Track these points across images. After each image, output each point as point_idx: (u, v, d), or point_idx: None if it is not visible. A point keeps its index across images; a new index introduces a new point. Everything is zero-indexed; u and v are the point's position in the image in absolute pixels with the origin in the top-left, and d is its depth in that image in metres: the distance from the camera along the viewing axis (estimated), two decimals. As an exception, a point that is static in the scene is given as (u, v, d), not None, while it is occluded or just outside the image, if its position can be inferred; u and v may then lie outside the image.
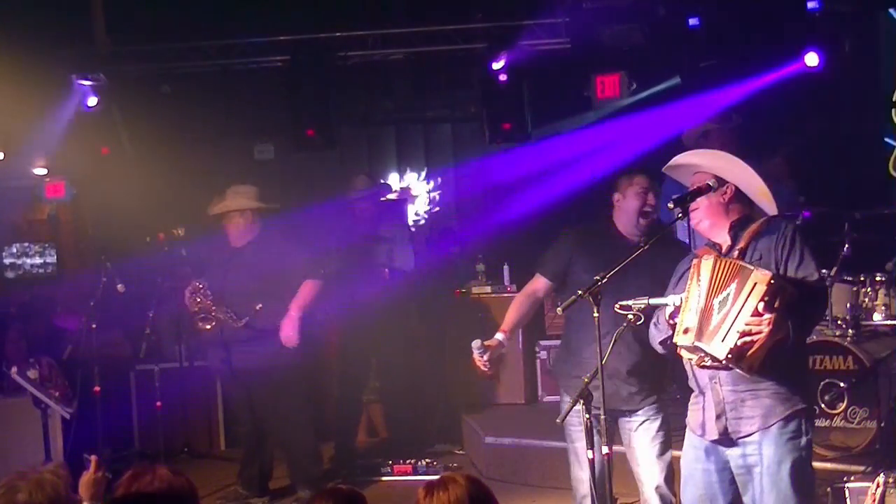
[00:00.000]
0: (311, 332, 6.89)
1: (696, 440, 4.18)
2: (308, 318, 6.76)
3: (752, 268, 3.86)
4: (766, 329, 3.80)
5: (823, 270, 6.22)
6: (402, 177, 10.53)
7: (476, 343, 4.84)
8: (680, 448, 6.18)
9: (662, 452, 4.90)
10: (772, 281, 3.78)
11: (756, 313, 3.79)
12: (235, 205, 6.82)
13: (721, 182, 4.12)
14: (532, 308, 5.08)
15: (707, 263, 3.96)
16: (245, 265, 6.71)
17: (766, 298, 3.77)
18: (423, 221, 10.29)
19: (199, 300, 6.68)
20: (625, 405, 4.86)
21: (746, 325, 3.80)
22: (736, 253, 4.05)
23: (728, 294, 3.87)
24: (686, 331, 3.94)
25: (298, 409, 6.88)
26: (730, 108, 7.83)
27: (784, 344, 3.88)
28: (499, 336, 4.92)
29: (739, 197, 4.15)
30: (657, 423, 4.89)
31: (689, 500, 4.21)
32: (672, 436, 6.59)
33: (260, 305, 6.58)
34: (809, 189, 7.17)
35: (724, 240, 4.14)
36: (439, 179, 10.55)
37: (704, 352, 3.92)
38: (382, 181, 8.76)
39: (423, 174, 10.54)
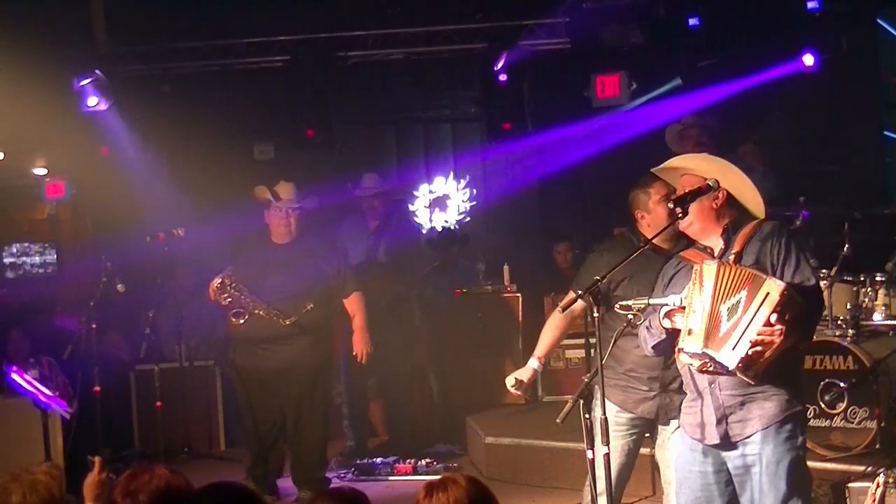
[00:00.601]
0: (328, 333, 6.90)
1: (692, 442, 4.17)
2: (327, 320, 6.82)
3: (764, 277, 3.86)
4: (777, 340, 3.81)
5: (823, 270, 6.23)
6: (430, 180, 10.55)
7: (510, 381, 4.81)
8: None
9: None
10: (785, 292, 3.79)
11: (768, 323, 3.80)
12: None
13: (715, 187, 4.11)
14: (568, 327, 4.99)
15: (710, 268, 3.94)
16: (290, 263, 6.66)
17: (778, 309, 3.78)
18: (466, 219, 10.29)
19: (228, 294, 6.55)
20: (675, 414, 4.73)
21: (759, 335, 3.80)
22: (732, 257, 4.05)
23: (738, 301, 3.86)
24: (692, 334, 3.93)
25: (318, 410, 6.83)
26: (706, 108, 7.86)
27: (790, 352, 3.90)
28: (533, 364, 4.88)
29: (731, 201, 4.15)
30: None
31: (685, 502, 4.20)
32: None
33: (311, 305, 6.54)
34: (809, 189, 7.17)
35: (717, 243, 4.14)
36: (467, 179, 10.54)
37: (712, 359, 3.92)
38: (391, 179, 8.67)
39: (451, 176, 10.56)
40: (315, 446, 6.86)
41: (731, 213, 4.16)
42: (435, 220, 10.34)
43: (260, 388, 6.83)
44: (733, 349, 3.84)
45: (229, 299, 6.56)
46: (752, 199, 4.18)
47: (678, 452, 4.27)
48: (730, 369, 3.88)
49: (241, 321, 6.58)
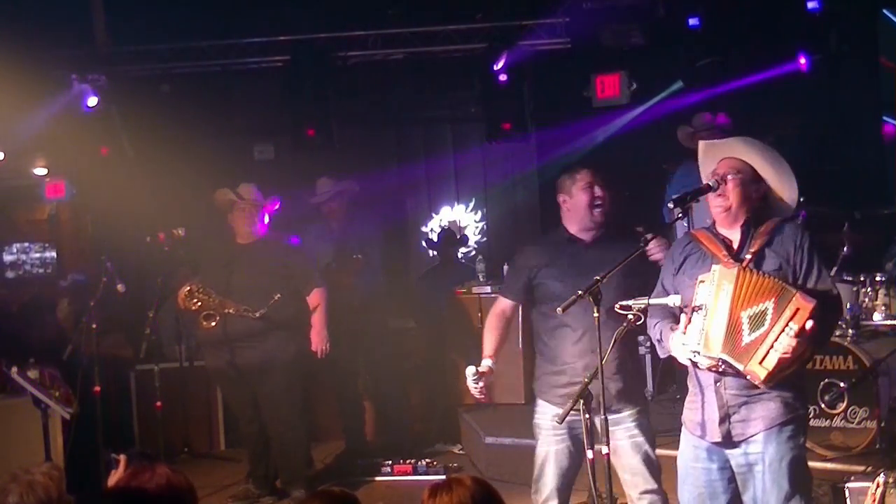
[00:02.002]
0: (305, 330, 6.92)
1: (695, 439, 4.17)
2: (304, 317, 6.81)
3: (794, 291, 3.85)
4: (803, 355, 3.86)
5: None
6: (430, 181, 10.55)
7: (471, 370, 4.81)
8: (670, 447, 6.23)
9: (653, 458, 4.79)
10: (815, 309, 3.80)
11: (797, 335, 3.81)
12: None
13: (756, 178, 4.08)
14: (507, 328, 5.06)
15: (730, 272, 3.92)
16: (255, 261, 6.72)
17: (805, 325, 3.80)
18: (472, 252, 10.26)
19: (197, 299, 6.65)
20: (615, 404, 4.72)
21: (785, 352, 3.82)
22: (748, 256, 4.02)
23: (763, 312, 3.86)
24: (706, 335, 3.92)
25: (295, 407, 6.85)
26: (715, 108, 7.88)
27: (806, 361, 3.94)
28: (487, 363, 4.88)
29: (766, 196, 4.12)
30: (640, 426, 4.79)
31: (688, 499, 4.20)
32: (669, 434, 6.61)
33: (278, 296, 6.58)
34: (809, 189, 7.17)
35: (735, 236, 4.10)
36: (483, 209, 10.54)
37: (729, 364, 3.92)
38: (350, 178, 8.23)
39: (472, 204, 10.57)
40: (298, 444, 6.85)
41: (760, 207, 4.11)
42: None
43: (238, 388, 6.89)
44: (761, 363, 3.85)
45: (199, 303, 6.65)
46: (787, 191, 4.12)
47: (681, 450, 4.26)
48: (758, 382, 3.90)
49: (213, 323, 6.64)
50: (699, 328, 3.94)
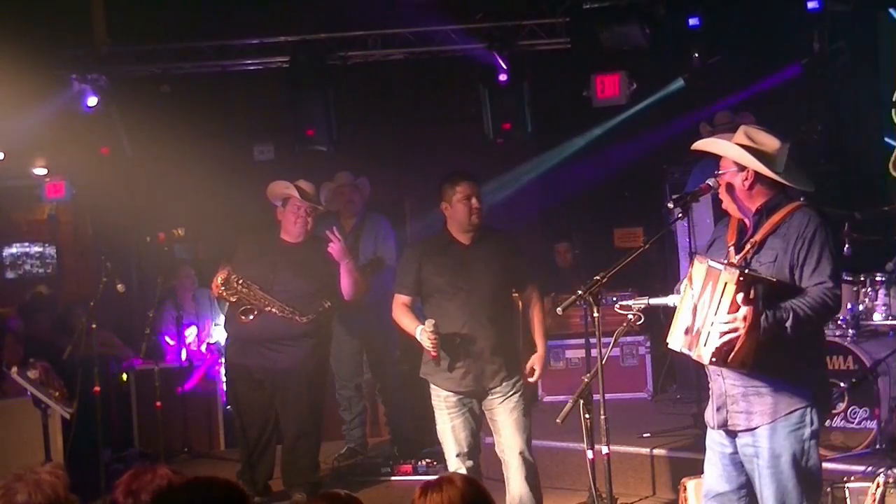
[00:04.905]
0: (330, 336, 6.88)
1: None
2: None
3: (720, 268, 3.84)
4: (741, 324, 3.79)
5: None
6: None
7: (430, 322, 5.25)
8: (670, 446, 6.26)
9: (523, 420, 5.39)
10: (741, 277, 3.77)
11: (731, 311, 3.79)
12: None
13: (740, 167, 4.07)
14: (414, 312, 5.58)
15: (701, 267, 3.97)
16: (301, 262, 6.55)
17: (737, 294, 3.77)
18: None
19: (234, 291, 6.42)
20: (489, 382, 5.35)
21: (723, 323, 3.81)
22: (748, 246, 4.03)
23: (705, 299, 3.89)
24: (676, 329, 4.01)
25: (312, 414, 6.71)
26: (728, 108, 7.88)
27: (763, 336, 3.84)
28: (430, 321, 5.30)
29: (762, 179, 4.05)
30: (517, 395, 5.41)
31: (710, 479, 4.26)
32: (669, 434, 6.63)
33: (328, 304, 6.48)
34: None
35: (750, 224, 4.12)
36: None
37: (692, 358, 3.99)
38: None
39: None
40: (309, 450, 6.75)
41: (766, 193, 4.07)
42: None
43: (257, 390, 6.70)
44: (705, 345, 3.89)
45: (235, 297, 6.45)
46: (787, 174, 4.06)
47: (708, 433, 4.31)
48: (706, 364, 3.95)
49: (251, 317, 6.45)
50: (673, 324, 4.05)
